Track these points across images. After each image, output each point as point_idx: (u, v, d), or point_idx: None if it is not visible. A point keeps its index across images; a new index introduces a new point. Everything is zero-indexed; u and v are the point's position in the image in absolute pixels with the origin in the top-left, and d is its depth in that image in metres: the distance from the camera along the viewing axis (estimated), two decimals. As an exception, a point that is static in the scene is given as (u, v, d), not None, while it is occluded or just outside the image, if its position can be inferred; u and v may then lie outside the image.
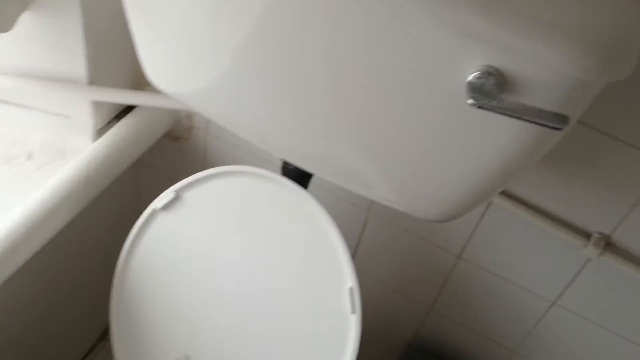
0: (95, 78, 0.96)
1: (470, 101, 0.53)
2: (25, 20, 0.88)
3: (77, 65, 0.93)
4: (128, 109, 1.05)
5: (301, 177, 0.84)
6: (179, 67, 0.74)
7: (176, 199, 0.88)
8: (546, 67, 0.51)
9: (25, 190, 0.89)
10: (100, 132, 1.01)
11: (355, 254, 1.07)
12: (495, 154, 0.60)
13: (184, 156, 1.14)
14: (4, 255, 0.81)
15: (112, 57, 0.98)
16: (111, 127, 1.02)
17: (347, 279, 0.82)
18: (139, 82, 1.05)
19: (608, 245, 0.82)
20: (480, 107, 0.53)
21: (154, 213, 0.89)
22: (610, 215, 0.80)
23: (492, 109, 0.52)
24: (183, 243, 0.89)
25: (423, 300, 1.08)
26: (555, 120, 0.51)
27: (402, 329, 1.15)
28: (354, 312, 0.82)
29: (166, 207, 0.88)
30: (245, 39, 0.63)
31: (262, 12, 0.60)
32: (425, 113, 0.60)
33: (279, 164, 0.87)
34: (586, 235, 0.83)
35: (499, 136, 0.58)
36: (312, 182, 0.87)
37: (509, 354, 1.07)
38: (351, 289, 0.82)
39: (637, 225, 0.79)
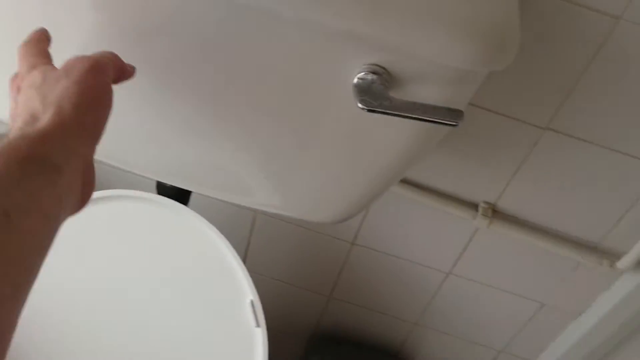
0: None
1: (360, 105, 0.49)
2: None
3: None
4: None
5: (180, 194, 0.77)
6: None
7: (39, 236, 0.77)
8: (434, 62, 0.49)
9: None
10: None
11: (246, 257, 1.02)
12: (390, 153, 0.57)
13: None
14: None
15: None
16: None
17: (247, 293, 0.77)
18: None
19: (494, 212, 0.84)
20: (371, 111, 0.49)
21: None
22: (493, 184, 0.82)
23: (384, 112, 0.49)
24: (54, 288, 0.79)
25: (321, 289, 1.06)
26: (451, 116, 0.48)
27: (304, 320, 1.13)
28: (258, 325, 0.78)
29: (28, 247, 0.77)
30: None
31: (108, 21, 0.52)
32: (313, 118, 0.56)
33: (152, 182, 0.79)
34: (473, 206, 0.84)
35: (393, 135, 0.55)
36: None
37: (411, 326, 1.08)
38: (252, 302, 0.77)
39: (518, 191, 0.81)
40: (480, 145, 0.79)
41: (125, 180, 0.95)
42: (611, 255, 0.85)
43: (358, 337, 1.13)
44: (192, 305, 0.79)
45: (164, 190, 0.77)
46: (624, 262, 0.83)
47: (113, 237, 0.78)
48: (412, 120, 0.51)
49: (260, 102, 0.56)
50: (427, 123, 0.51)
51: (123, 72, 0.48)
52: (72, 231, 0.76)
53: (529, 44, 0.65)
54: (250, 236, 1.00)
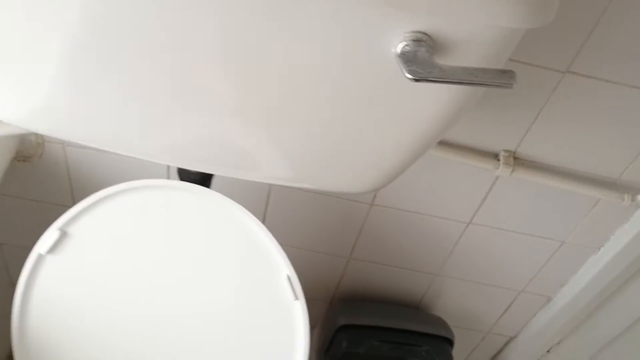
0: None
1: (409, 76, 0.48)
2: None
3: None
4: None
5: (203, 179, 0.76)
6: (11, 90, 0.60)
7: (63, 236, 0.76)
8: (479, 24, 0.48)
9: None
10: None
11: (264, 229, 1.02)
12: (430, 118, 0.56)
13: (41, 175, 0.98)
14: None
15: None
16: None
17: (282, 268, 0.77)
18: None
19: (515, 160, 0.84)
20: (419, 80, 0.48)
21: (40, 258, 0.76)
22: (513, 132, 0.82)
23: (435, 80, 0.47)
24: (88, 281, 0.78)
25: (341, 251, 1.06)
26: (503, 77, 0.47)
27: (325, 283, 1.13)
28: (296, 298, 0.78)
29: (53, 249, 0.76)
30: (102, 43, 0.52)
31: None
32: (352, 91, 0.54)
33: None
34: (493, 155, 0.84)
35: (433, 102, 0.55)
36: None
37: (432, 277, 1.10)
38: (288, 277, 0.77)
39: (538, 136, 0.82)
40: (497, 95, 0.78)
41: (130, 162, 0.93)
42: (631, 190, 0.86)
43: (379, 294, 1.14)
44: (230, 285, 0.78)
45: (187, 175, 0.76)
46: (645, 195, 0.84)
47: (137, 229, 0.76)
48: (455, 85, 0.50)
49: (296, 79, 0.54)
50: (468, 86, 0.51)
51: None
52: (91, 231, 0.76)
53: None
54: (266, 208, 0.99)
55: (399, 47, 0.49)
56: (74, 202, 1.03)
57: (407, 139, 0.59)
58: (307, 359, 0.80)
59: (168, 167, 0.95)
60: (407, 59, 0.48)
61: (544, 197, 0.90)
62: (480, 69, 0.48)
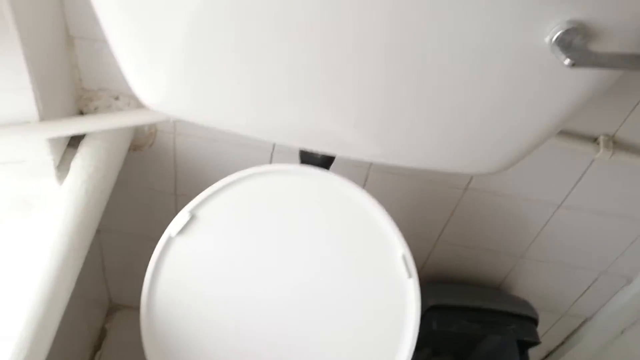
0: (45, 113, 0.83)
1: (567, 62, 0.52)
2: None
3: (25, 103, 0.80)
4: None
5: (325, 161, 0.80)
6: (182, 85, 0.65)
7: (192, 219, 0.81)
8: (630, 12, 0.51)
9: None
10: (60, 168, 0.89)
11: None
12: (570, 103, 0.60)
13: (148, 163, 1.04)
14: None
15: (55, 86, 0.86)
16: (70, 159, 0.90)
17: (397, 247, 0.82)
18: (81, 101, 0.93)
19: (614, 143, 0.88)
20: (576, 66, 0.52)
21: (170, 240, 0.82)
22: (613, 117, 0.85)
23: (592, 65, 0.52)
24: (211, 263, 0.83)
25: (430, 235, 1.10)
26: (656, 62, 0.51)
27: (410, 266, 1.18)
28: (410, 276, 0.83)
29: (183, 231, 0.81)
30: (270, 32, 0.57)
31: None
32: (501, 78, 0.58)
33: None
34: (592, 139, 0.88)
35: (571, 87, 0.58)
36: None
37: (516, 259, 1.13)
38: (403, 256, 0.82)
39: (638, 121, 0.85)
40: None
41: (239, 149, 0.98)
42: None
43: (461, 275, 1.19)
44: (347, 264, 0.83)
45: (309, 158, 0.80)
46: None
47: (259, 213, 0.81)
48: (597, 72, 0.54)
49: (449, 64, 0.57)
50: (607, 74, 0.55)
51: None
52: (218, 214, 0.81)
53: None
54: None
55: (555, 35, 0.53)
56: (175, 190, 1.08)
57: (542, 123, 0.63)
58: (417, 332, 0.85)
59: (271, 155, 1.00)
60: (564, 46, 0.52)
61: (634, 178, 0.94)
62: (634, 54, 0.52)
